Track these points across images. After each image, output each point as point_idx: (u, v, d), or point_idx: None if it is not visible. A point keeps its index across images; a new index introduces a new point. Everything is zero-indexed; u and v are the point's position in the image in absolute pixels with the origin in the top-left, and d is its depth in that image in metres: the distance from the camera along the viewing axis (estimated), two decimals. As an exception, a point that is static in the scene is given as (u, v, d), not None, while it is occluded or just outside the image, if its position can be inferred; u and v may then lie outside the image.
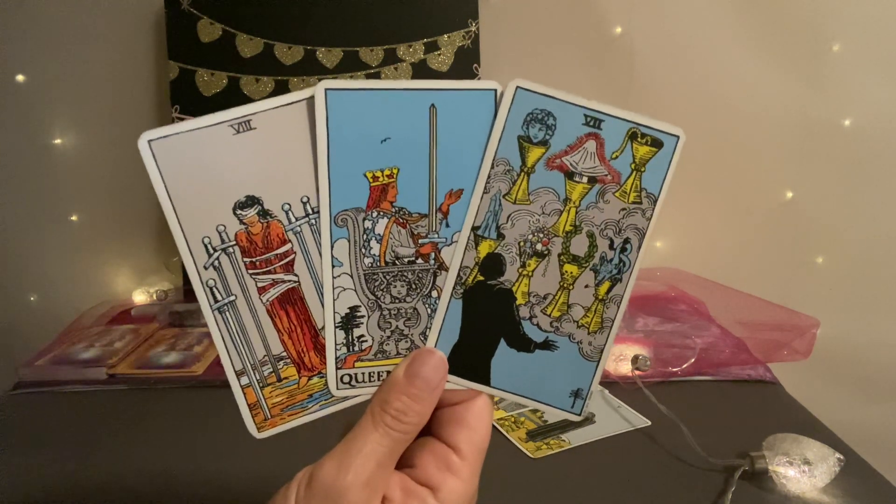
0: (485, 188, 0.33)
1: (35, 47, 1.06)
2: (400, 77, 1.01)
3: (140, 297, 1.07)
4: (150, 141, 0.31)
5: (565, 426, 0.66)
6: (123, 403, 0.75)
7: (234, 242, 0.32)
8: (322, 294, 0.33)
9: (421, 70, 1.01)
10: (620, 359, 0.78)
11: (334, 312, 0.34)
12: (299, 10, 1.00)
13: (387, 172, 0.33)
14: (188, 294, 1.05)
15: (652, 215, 0.34)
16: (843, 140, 1.07)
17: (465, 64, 1.01)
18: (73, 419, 0.71)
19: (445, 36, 1.01)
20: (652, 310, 0.96)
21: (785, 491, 0.56)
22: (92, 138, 1.10)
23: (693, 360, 0.79)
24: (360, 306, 0.34)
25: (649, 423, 0.67)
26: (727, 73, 1.06)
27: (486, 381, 0.34)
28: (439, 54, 1.01)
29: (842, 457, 0.57)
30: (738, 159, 1.09)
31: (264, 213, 0.32)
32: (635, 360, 0.75)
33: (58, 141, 1.09)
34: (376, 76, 1.00)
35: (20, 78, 1.07)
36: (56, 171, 1.10)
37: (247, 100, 0.97)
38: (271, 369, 0.34)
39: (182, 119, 0.97)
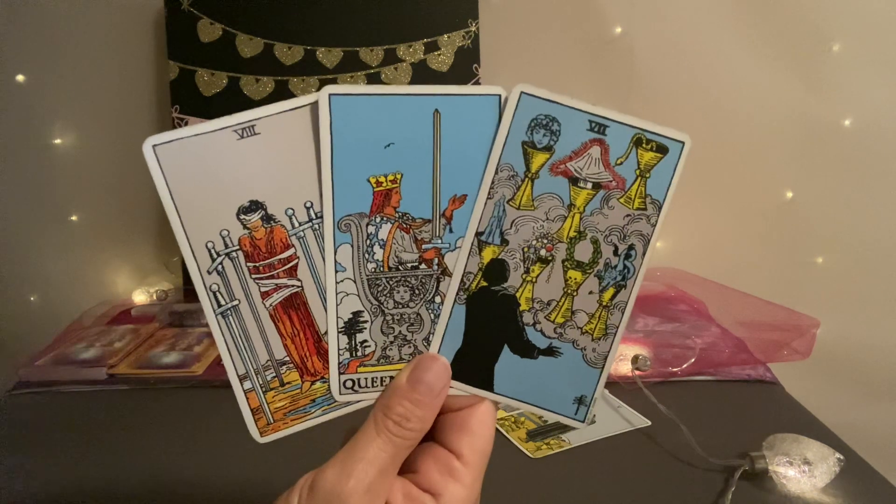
0: (489, 194, 0.33)
1: (35, 47, 1.05)
2: (400, 77, 1.00)
3: (140, 297, 1.07)
4: (154, 146, 0.31)
5: (565, 427, 0.67)
6: (123, 403, 0.75)
7: (238, 247, 0.32)
8: (325, 299, 0.33)
9: (421, 70, 1.01)
10: (620, 359, 0.78)
11: (337, 317, 0.34)
12: (299, 10, 1.00)
13: (390, 178, 0.33)
14: (188, 294, 1.05)
15: (657, 222, 0.34)
16: (843, 140, 1.07)
17: (465, 64, 1.01)
18: (73, 419, 0.71)
19: (445, 36, 1.01)
20: (652, 310, 0.96)
21: (785, 491, 0.56)
22: (92, 138, 1.10)
23: (693, 360, 0.79)
24: (363, 311, 0.34)
25: (649, 423, 0.68)
26: (727, 73, 1.06)
27: (489, 387, 0.34)
28: (439, 54, 1.01)
29: (842, 457, 0.57)
30: (739, 159, 1.09)
31: (268, 218, 0.32)
32: (635, 360, 0.75)
33: (58, 141, 1.09)
34: (376, 76, 1.00)
35: (20, 78, 1.06)
36: (56, 171, 1.10)
37: (247, 100, 0.97)
38: (274, 374, 0.34)
39: (182, 119, 0.97)
